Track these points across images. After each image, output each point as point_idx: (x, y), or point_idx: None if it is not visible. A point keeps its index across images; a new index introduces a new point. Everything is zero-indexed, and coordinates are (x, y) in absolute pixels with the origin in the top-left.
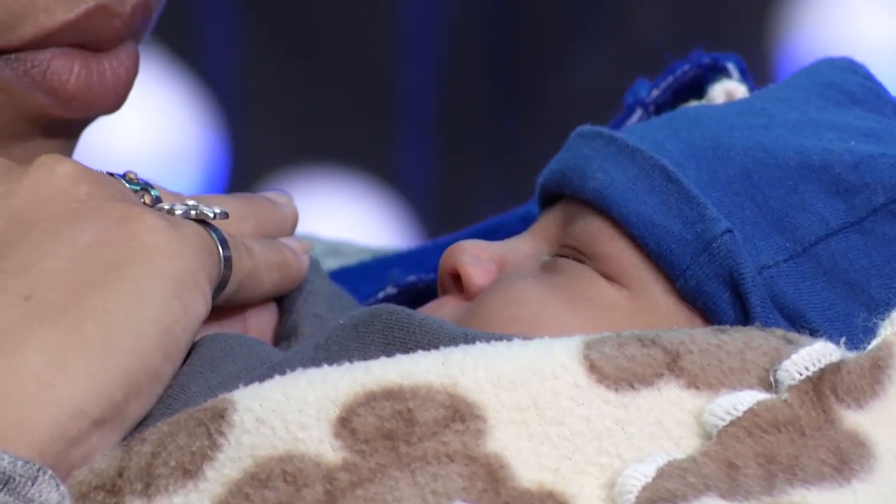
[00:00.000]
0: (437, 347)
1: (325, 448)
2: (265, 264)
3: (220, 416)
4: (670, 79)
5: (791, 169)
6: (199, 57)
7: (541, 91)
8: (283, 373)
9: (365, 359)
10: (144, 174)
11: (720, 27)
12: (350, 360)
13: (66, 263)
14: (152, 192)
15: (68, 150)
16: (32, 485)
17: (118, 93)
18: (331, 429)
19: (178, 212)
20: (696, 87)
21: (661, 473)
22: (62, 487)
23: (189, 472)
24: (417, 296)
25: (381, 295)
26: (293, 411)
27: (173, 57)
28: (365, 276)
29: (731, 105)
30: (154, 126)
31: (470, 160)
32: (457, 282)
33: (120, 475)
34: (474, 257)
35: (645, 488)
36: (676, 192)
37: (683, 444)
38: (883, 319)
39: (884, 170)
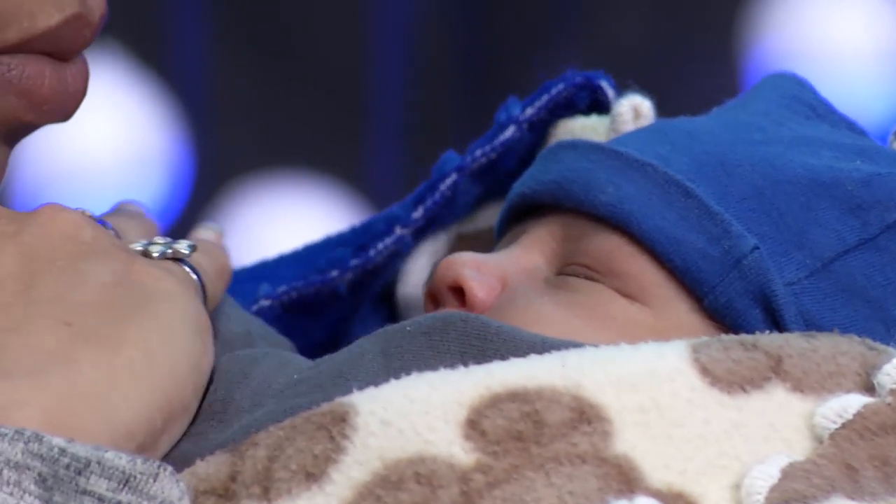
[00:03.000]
0: (515, 356)
1: (457, 449)
2: (215, 276)
3: (342, 419)
4: (545, 97)
5: (802, 185)
6: (165, 61)
7: (512, 96)
8: (355, 380)
9: (441, 367)
10: (109, 179)
11: (690, 31)
12: (426, 369)
13: (96, 297)
14: (110, 230)
15: (5, 157)
16: (154, 481)
17: (77, 100)
18: (460, 430)
19: (155, 253)
20: (569, 106)
21: (786, 475)
22: (181, 483)
23: (312, 475)
24: (291, 306)
25: (254, 308)
26: (418, 413)
27: (138, 61)
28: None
29: (717, 119)
30: (119, 130)
31: None
32: (457, 295)
33: (233, 479)
34: (476, 270)
35: (773, 489)
36: (696, 208)
37: (795, 447)
38: None
39: (894, 187)
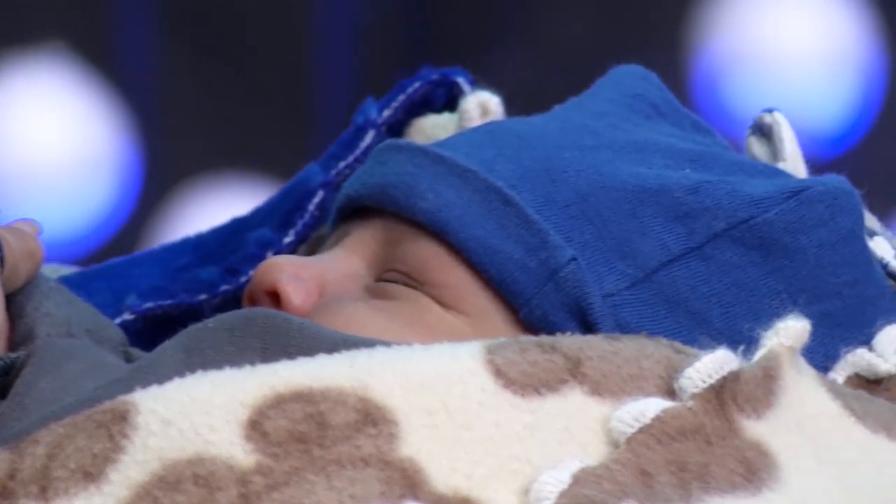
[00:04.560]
0: (318, 353)
1: (237, 450)
2: (20, 255)
3: (122, 417)
4: (402, 97)
5: (629, 192)
6: (113, 63)
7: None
8: (153, 374)
9: (242, 363)
10: (57, 182)
11: (637, 31)
12: (229, 365)
13: None
14: None
15: None
16: None
17: None
18: (241, 431)
19: None
20: (426, 104)
21: (577, 480)
22: None
23: (91, 474)
24: (154, 321)
25: (118, 321)
26: (200, 413)
27: (86, 63)
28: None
29: (550, 121)
30: (67, 132)
31: None
32: (274, 300)
33: (11, 477)
34: (293, 276)
35: (562, 494)
36: (515, 217)
37: (591, 451)
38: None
39: (722, 195)
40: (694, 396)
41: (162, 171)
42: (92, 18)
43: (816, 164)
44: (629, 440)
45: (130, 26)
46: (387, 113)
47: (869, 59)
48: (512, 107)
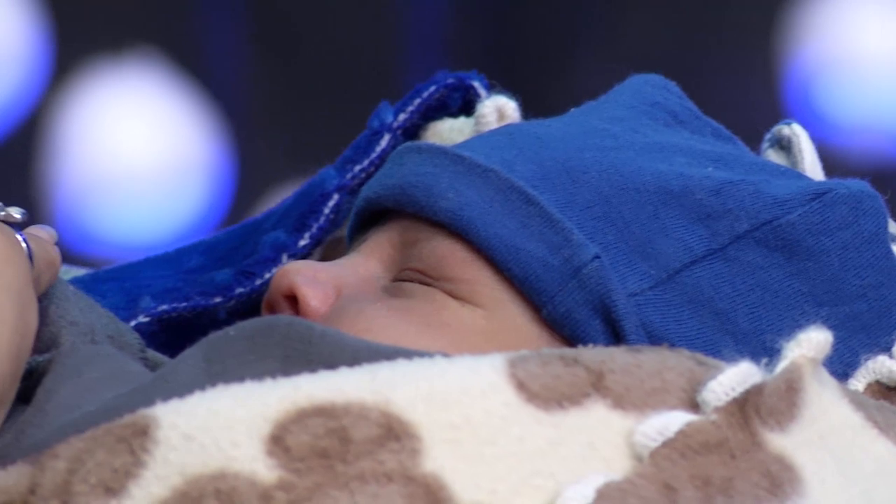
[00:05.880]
0: (340, 361)
1: (259, 466)
2: (43, 264)
3: (143, 432)
4: (417, 101)
5: (650, 194)
6: (203, 67)
7: (541, 102)
8: (175, 382)
9: (263, 372)
10: (151, 186)
11: (729, 37)
12: (249, 374)
13: None
14: None
15: None
16: None
17: None
18: (263, 446)
19: None
20: (442, 107)
21: (601, 495)
22: None
23: (112, 489)
24: (169, 324)
25: (132, 324)
26: (222, 427)
27: (178, 68)
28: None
29: (569, 124)
30: (159, 138)
31: None
32: (292, 303)
33: (32, 492)
34: (311, 279)
35: None
36: (538, 216)
37: (614, 465)
38: (753, 350)
39: (745, 196)
40: (717, 410)
41: (253, 175)
42: (182, 23)
43: None
44: (653, 454)
45: (220, 30)
46: (402, 117)
47: None
48: None
